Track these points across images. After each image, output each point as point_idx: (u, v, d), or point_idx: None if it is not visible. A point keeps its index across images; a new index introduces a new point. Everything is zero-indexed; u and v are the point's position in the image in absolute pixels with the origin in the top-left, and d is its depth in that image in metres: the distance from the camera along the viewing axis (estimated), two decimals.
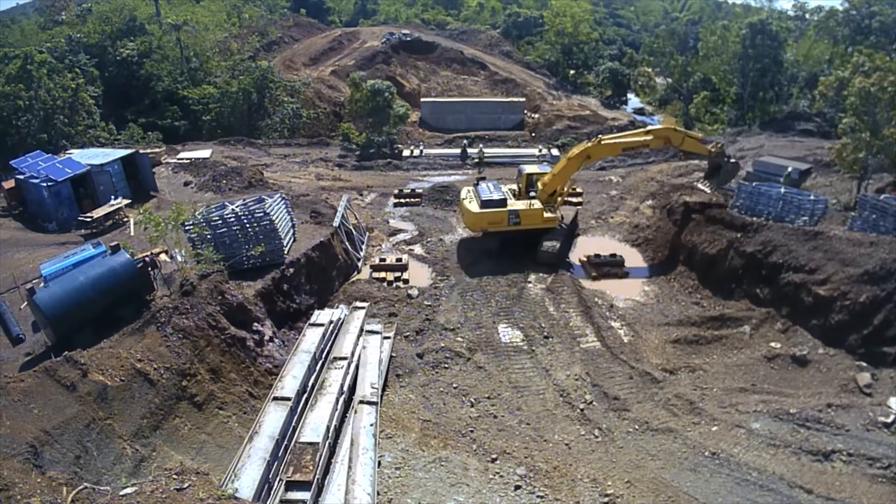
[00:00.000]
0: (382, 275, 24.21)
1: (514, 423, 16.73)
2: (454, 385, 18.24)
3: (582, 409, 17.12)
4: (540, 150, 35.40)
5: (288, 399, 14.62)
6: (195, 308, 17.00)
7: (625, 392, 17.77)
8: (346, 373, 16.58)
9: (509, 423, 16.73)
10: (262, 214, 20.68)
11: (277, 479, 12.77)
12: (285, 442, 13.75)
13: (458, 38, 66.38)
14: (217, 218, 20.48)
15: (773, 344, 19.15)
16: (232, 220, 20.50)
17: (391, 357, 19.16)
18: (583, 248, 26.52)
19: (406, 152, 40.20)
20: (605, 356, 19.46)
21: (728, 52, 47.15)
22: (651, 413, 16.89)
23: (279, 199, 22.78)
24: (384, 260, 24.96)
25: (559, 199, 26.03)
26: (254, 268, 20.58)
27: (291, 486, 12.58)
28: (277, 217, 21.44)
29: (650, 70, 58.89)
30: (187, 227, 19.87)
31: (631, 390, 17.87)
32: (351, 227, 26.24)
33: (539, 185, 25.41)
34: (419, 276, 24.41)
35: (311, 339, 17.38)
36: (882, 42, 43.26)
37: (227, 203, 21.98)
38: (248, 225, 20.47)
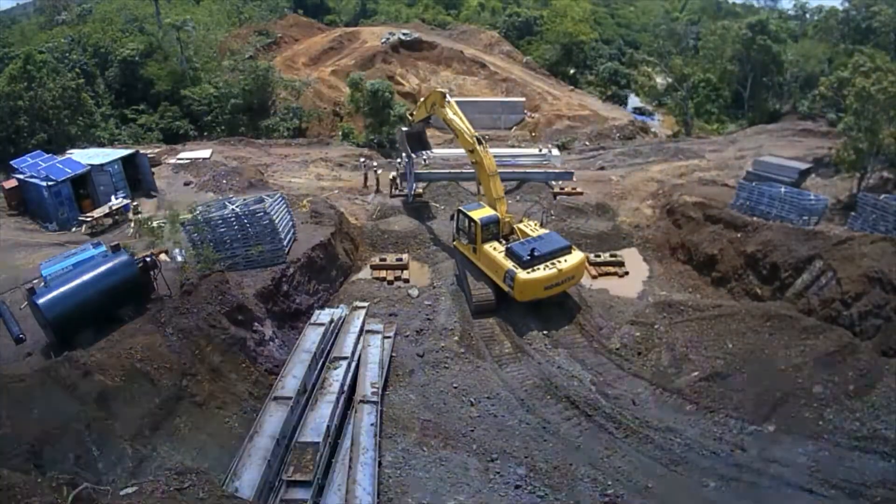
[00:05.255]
0: (383, 274, 24.22)
1: (514, 423, 16.73)
2: (454, 385, 18.23)
3: (582, 409, 17.11)
4: (540, 150, 35.33)
5: (288, 399, 14.64)
6: (195, 308, 17.02)
7: (625, 392, 17.76)
8: (347, 372, 16.60)
9: (509, 423, 16.73)
10: (262, 214, 20.70)
11: (278, 478, 12.79)
12: (286, 441, 13.76)
13: (459, 38, 66.29)
14: (217, 217, 20.50)
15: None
16: (232, 219, 20.51)
17: (391, 357, 19.17)
18: None
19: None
20: (606, 356, 19.48)
21: (728, 51, 47.16)
22: (652, 413, 16.88)
23: (279, 199, 22.79)
24: (384, 260, 24.97)
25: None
26: (254, 268, 20.60)
27: (292, 485, 12.60)
28: (278, 217, 21.46)
29: (650, 70, 58.85)
30: (187, 227, 19.89)
31: (631, 390, 17.86)
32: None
33: (507, 217, 22.45)
34: (419, 275, 24.42)
35: (311, 338, 17.40)
36: (883, 42, 43.26)
37: (226, 202, 22.00)
38: (248, 225, 20.51)
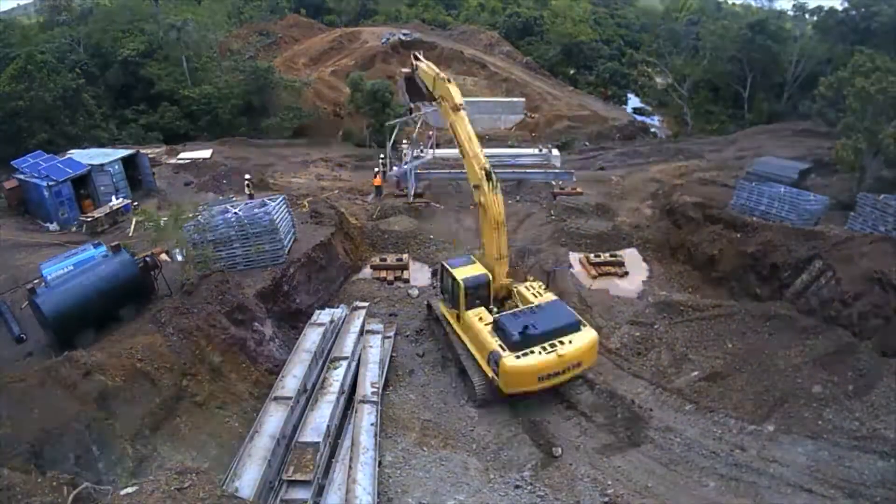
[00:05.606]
0: (383, 274, 24.23)
1: (513, 423, 16.71)
2: (454, 385, 18.23)
3: (582, 409, 17.12)
4: (540, 150, 35.35)
5: (288, 398, 14.64)
6: (196, 308, 17.03)
7: (625, 392, 17.77)
8: (347, 372, 16.60)
9: (509, 423, 16.71)
10: (264, 218, 20.72)
11: (278, 478, 12.80)
12: (286, 441, 13.78)
13: (459, 38, 66.34)
14: (220, 222, 20.52)
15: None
16: (234, 224, 20.55)
17: (391, 357, 19.17)
18: None
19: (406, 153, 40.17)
20: (606, 356, 19.48)
21: (727, 51, 47.15)
22: (652, 413, 16.89)
23: (280, 201, 22.76)
24: (384, 260, 24.98)
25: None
26: (254, 267, 20.61)
27: (292, 485, 12.61)
28: (278, 217, 21.48)
29: (650, 70, 58.87)
30: (189, 230, 19.90)
31: (631, 390, 17.87)
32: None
33: (504, 280, 18.18)
34: (419, 275, 24.41)
35: (311, 338, 17.40)
36: (882, 43, 43.20)
37: (229, 207, 21.96)
38: (248, 225, 20.55)
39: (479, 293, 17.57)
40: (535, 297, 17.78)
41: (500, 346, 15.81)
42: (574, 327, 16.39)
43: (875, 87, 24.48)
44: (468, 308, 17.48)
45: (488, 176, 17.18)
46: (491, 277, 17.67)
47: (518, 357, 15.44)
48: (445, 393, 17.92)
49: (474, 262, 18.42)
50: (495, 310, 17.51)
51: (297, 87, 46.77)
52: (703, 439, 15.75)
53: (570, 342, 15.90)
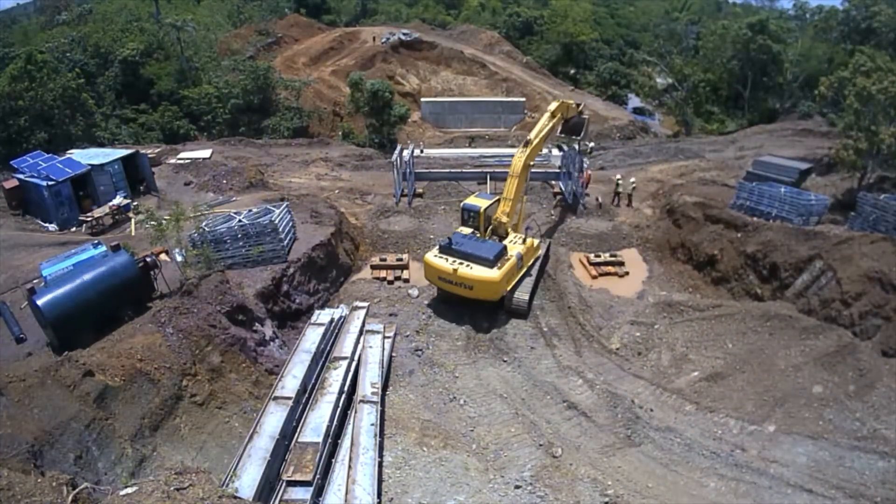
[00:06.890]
0: (383, 274, 24.21)
1: (514, 423, 16.71)
2: (454, 385, 18.23)
3: (582, 409, 17.11)
4: (540, 150, 35.28)
5: (288, 399, 14.62)
6: (196, 308, 17.02)
7: (625, 392, 17.76)
8: (347, 372, 16.58)
9: (509, 424, 16.71)
10: (268, 223, 20.71)
11: (278, 478, 12.78)
12: (286, 441, 13.76)
13: (459, 38, 66.29)
14: (224, 230, 20.52)
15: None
16: (238, 233, 20.55)
17: (391, 357, 19.16)
18: None
19: (406, 153, 40.14)
20: (606, 356, 19.48)
21: (728, 51, 47.16)
22: (652, 413, 16.88)
23: (285, 207, 22.71)
24: (384, 260, 24.96)
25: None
26: (254, 268, 20.59)
27: (292, 485, 12.59)
28: (280, 219, 21.47)
29: (650, 70, 58.88)
30: (193, 237, 19.90)
31: (632, 390, 17.87)
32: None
33: (501, 216, 22.61)
34: (419, 275, 24.39)
35: (311, 338, 17.38)
36: (883, 42, 43.25)
37: (233, 214, 21.90)
38: (248, 226, 20.55)
39: (471, 217, 22.77)
40: (511, 242, 22.16)
41: (438, 247, 21.26)
42: (486, 262, 20.23)
43: (875, 87, 24.49)
44: (462, 224, 23.14)
45: (526, 144, 23.56)
46: (482, 210, 22.40)
47: (436, 256, 20.90)
48: (445, 393, 17.92)
49: (488, 200, 23.24)
50: (480, 234, 22.54)
51: (297, 87, 46.75)
52: (704, 439, 15.74)
53: (471, 268, 20.17)
